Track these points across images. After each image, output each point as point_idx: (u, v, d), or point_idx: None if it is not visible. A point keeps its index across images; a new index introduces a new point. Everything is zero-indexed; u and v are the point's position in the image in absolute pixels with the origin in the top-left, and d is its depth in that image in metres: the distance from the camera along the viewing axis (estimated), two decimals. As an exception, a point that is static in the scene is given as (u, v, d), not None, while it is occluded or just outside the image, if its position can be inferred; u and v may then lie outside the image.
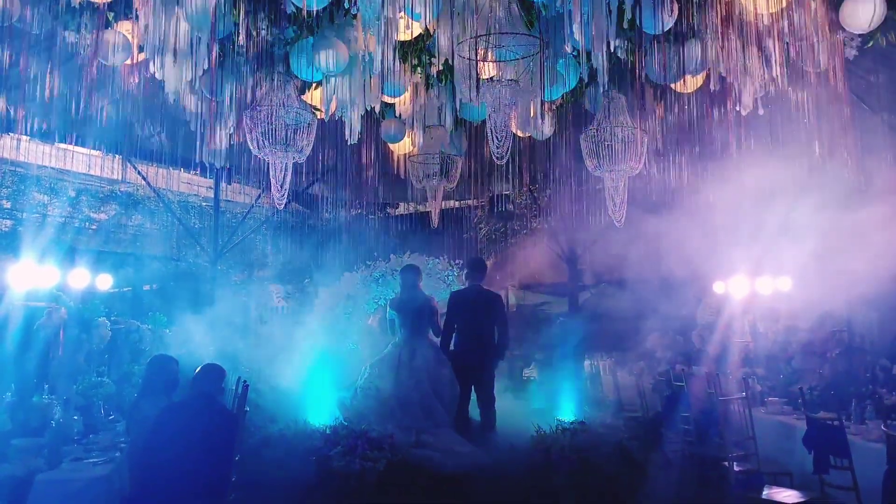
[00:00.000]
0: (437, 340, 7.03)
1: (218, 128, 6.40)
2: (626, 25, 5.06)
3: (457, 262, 8.94)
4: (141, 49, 5.58)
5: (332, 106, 6.30)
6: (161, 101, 5.93)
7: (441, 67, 6.18)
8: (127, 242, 12.54)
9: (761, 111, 5.98)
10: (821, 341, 8.58)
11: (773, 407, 7.11)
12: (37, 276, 7.58)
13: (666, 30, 5.26)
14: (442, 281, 8.08)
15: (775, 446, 6.56)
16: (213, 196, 12.24)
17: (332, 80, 6.01)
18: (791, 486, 5.58)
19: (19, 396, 5.90)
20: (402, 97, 6.76)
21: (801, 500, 5.16)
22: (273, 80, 5.88)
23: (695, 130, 6.79)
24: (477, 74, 5.02)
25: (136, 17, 5.22)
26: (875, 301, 8.94)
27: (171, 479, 4.06)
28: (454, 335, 6.96)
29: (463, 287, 7.15)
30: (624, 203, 6.45)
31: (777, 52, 5.30)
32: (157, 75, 5.53)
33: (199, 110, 6.40)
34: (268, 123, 5.77)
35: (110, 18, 5.57)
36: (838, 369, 7.82)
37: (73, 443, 5.27)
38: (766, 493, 5.33)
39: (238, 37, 5.70)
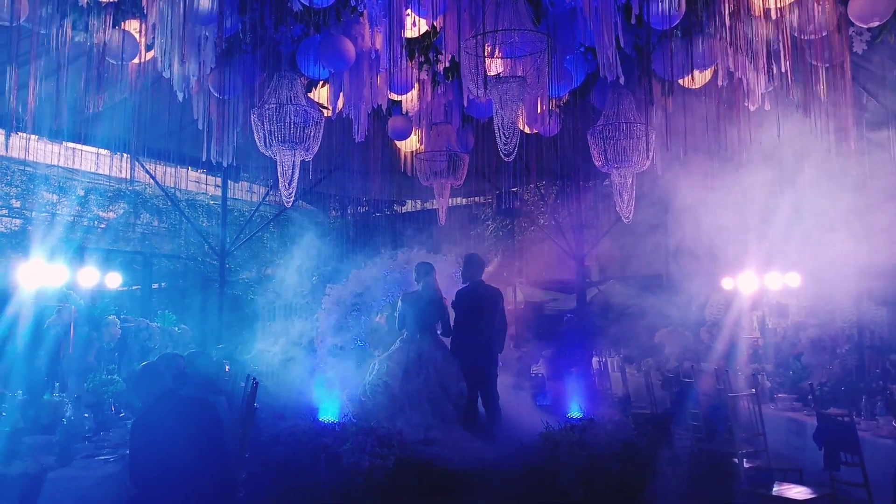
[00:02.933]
0: (445, 338, 7.02)
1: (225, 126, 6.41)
2: (633, 21, 5.03)
3: (465, 259, 8.92)
4: (149, 48, 5.60)
5: (340, 103, 6.31)
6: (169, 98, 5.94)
7: (448, 64, 6.18)
8: (136, 241, 12.60)
9: (769, 106, 5.95)
10: (830, 337, 8.56)
11: (783, 403, 7.10)
12: (47, 275, 7.63)
13: (674, 25, 5.24)
14: (450, 278, 8.06)
15: (785, 442, 6.55)
16: (220, 194, 12.29)
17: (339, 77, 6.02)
18: (801, 483, 5.56)
19: (30, 394, 5.94)
20: (409, 94, 6.76)
21: (812, 496, 5.15)
22: (280, 77, 5.89)
23: (703, 126, 6.76)
24: (484, 71, 5.00)
25: (144, 15, 5.24)
26: (885, 296, 8.91)
27: (167, 483, 4.03)
28: (458, 332, 6.92)
29: (464, 285, 7.08)
30: (632, 199, 6.43)
31: (785, 46, 5.27)
32: (164, 74, 5.55)
33: (207, 109, 6.42)
34: (275, 121, 5.78)
35: (118, 17, 5.60)
36: (848, 365, 7.80)
37: (83, 440, 5.31)
38: (776, 489, 5.31)
39: (245, 34, 5.71)
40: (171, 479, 3.97)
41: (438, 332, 7.02)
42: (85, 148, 10.75)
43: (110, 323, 7.94)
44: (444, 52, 5.59)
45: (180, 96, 5.75)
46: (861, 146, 6.11)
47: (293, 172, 6.02)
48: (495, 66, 5.19)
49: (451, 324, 6.99)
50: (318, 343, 7.71)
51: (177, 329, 9.36)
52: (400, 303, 7.10)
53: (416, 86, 6.67)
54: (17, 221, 11.06)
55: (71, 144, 10.27)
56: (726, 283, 10.55)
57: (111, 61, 5.66)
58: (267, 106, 5.81)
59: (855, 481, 5.15)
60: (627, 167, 6.32)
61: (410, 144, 7.96)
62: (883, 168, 6.77)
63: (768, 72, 5.47)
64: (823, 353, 8.32)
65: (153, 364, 4.68)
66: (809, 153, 6.85)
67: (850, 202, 7.66)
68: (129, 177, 11.65)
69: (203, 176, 12.84)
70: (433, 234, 10.83)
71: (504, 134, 5.25)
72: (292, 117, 5.80)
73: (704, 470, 6.45)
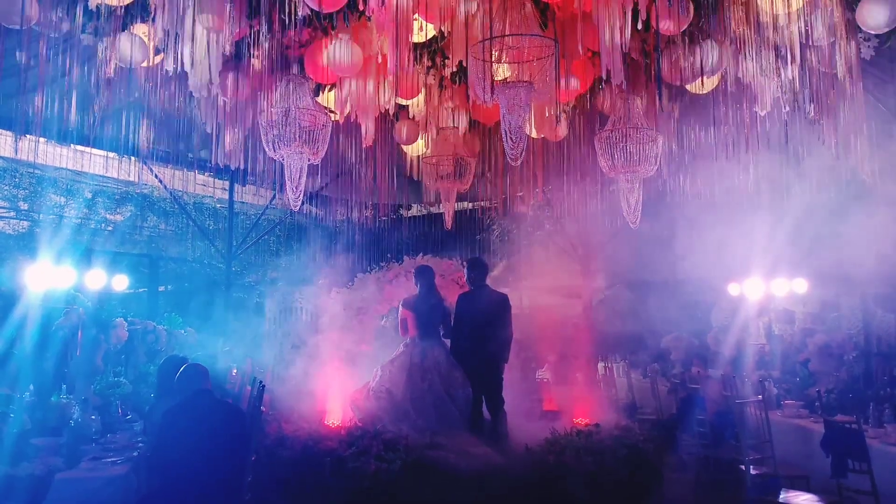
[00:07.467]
0: (448, 342, 7.01)
1: (232, 129, 6.43)
2: (640, 26, 5.03)
3: (470, 263, 8.90)
4: (157, 51, 5.62)
5: (347, 108, 6.32)
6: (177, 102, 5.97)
7: (455, 69, 6.19)
8: (142, 244, 12.63)
9: (776, 111, 5.94)
10: (837, 344, 8.53)
11: (790, 410, 7.07)
12: (54, 277, 7.65)
13: (681, 31, 5.24)
14: (455, 283, 8.06)
15: (792, 449, 6.52)
16: (227, 198, 12.31)
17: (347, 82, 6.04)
18: (808, 490, 5.54)
19: (38, 396, 5.97)
20: (415, 99, 6.77)
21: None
22: (288, 81, 5.90)
23: (710, 131, 6.75)
24: (491, 76, 5.00)
25: (153, 19, 5.26)
26: (892, 302, 8.87)
27: (186, 478, 4.09)
28: (462, 337, 6.89)
29: (469, 290, 7.05)
30: (639, 204, 6.41)
31: (793, 52, 5.27)
32: (173, 77, 5.57)
33: (215, 112, 6.44)
34: (283, 125, 5.78)
35: (126, 21, 5.62)
36: (855, 372, 7.77)
37: (91, 442, 5.32)
38: (783, 496, 5.29)
39: (253, 38, 5.73)
40: (191, 474, 4.02)
41: (441, 335, 7.02)
42: (93, 151, 10.77)
43: (118, 325, 7.96)
44: (450, 56, 5.60)
45: (194, 92, 5.76)
46: (867, 151, 6.09)
47: (300, 176, 6.03)
48: (502, 71, 5.19)
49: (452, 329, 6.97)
50: (322, 347, 7.72)
51: (183, 332, 9.38)
52: (401, 307, 7.10)
53: (423, 90, 6.68)
54: (25, 223, 11.09)
55: (79, 147, 10.30)
56: (733, 289, 10.52)
57: (120, 64, 5.68)
58: (274, 110, 5.82)
59: (863, 489, 5.13)
60: (634, 173, 6.31)
61: (417, 149, 7.97)
62: (889, 173, 6.75)
63: (776, 77, 5.47)
64: (830, 359, 8.29)
65: (196, 364, 4.76)
66: (816, 158, 6.84)
67: (857, 208, 7.64)
68: (136, 179, 11.68)
69: (210, 179, 12.84)
70: (439, 238, 10.82)
71: (511, 139, 5.25)
72: (299, 121, 5.81)
73: (711, 476, 6.43)
